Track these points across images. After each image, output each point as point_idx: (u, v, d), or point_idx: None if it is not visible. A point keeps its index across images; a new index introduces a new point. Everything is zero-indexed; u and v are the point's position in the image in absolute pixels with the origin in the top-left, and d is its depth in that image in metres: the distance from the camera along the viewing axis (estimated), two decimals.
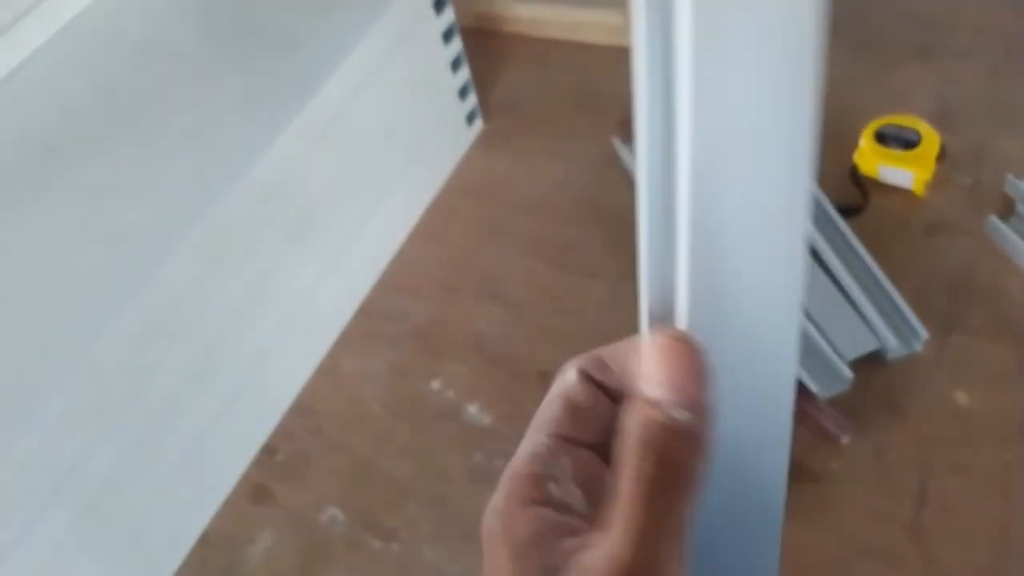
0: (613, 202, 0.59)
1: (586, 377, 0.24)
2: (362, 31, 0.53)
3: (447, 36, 0.60)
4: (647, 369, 0.20)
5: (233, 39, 0.55)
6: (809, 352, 0.49)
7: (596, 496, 0.22)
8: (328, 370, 0.56)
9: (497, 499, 0.22)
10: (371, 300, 0.59)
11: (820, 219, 0.54)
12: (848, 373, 0.47)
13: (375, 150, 0.57)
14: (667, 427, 0.20)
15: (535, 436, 0.23)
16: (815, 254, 0.52)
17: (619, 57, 0.68)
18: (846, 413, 0.46)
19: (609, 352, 0.24)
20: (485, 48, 0.71)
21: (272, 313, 0.52)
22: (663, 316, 0.22)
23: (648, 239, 0.21)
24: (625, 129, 0.62)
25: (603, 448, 0.23)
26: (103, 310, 0.42)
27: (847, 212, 0.55)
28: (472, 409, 0.52)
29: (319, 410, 0.54)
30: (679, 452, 0.20)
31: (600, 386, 0.24)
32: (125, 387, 0.44)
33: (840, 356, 0.48)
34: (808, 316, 0.50)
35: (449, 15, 0.59)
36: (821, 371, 0.48)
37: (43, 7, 0.58)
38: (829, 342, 0.49)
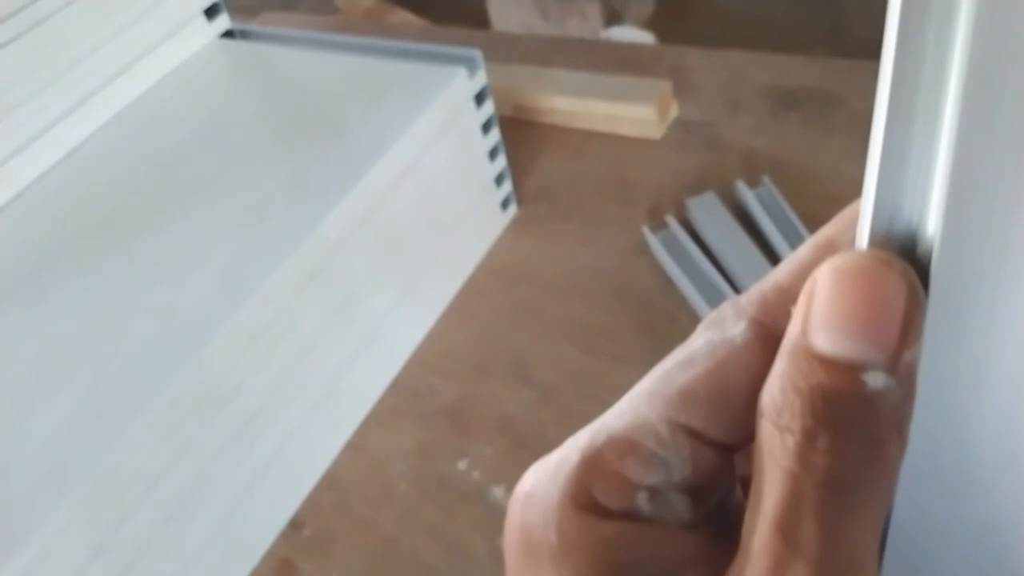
0: (642, 289, 0.60)
1: (762, 332, 0.15)
2: (408, 122, 0.55)
3: (486, 127, 0.63)
4: (822, 307, 0.13)
5: (286, 126, 0.58)
6: None
7: (715, 512, 0.15)
8: (357, 446, 0.57)
9: (546, 493, 0.15)
10: (402, 378, 0.60)
11: None
12: None
13: (413, 233, 0.59)
14: (853, 399, 0.13)
15: (634, 409, 0.16)
16: None
17: (650, 149, 0.71)
18: None
19: (790, 275, 0.16)
20: (522, 137, 0.74)
21: (307, 389, 0.53)
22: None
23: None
24: (654, 219, 0.64)
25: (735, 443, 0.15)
26: (147, 385, 0.44)
27: None
28: (497, 491, 0.52)
29: (347, 486, 0.55)
30: (872, 440, 0.13)
31: (777, 340, 0.15)
32: (162, 460, 0.45)
33: None
34: None
35: (488, 108, 0.62)
36: None
37: (109, 89, 0.61)
38: None
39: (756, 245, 0.58)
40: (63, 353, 0.47)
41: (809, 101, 0.71)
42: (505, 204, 0.68)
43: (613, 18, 1.36)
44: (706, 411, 0.15)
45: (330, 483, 0.55)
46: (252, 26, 0.69)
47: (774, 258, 0.58)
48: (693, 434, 0.15)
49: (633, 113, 0.71)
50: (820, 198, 0.62)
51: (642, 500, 0.15)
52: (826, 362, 0.13)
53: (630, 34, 1.28)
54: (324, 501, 0.54)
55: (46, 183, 0.59)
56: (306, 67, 0.63)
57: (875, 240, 0.14)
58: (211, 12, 0.67)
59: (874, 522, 0.13)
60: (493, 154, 0.65)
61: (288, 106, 0.60)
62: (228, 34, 0.68)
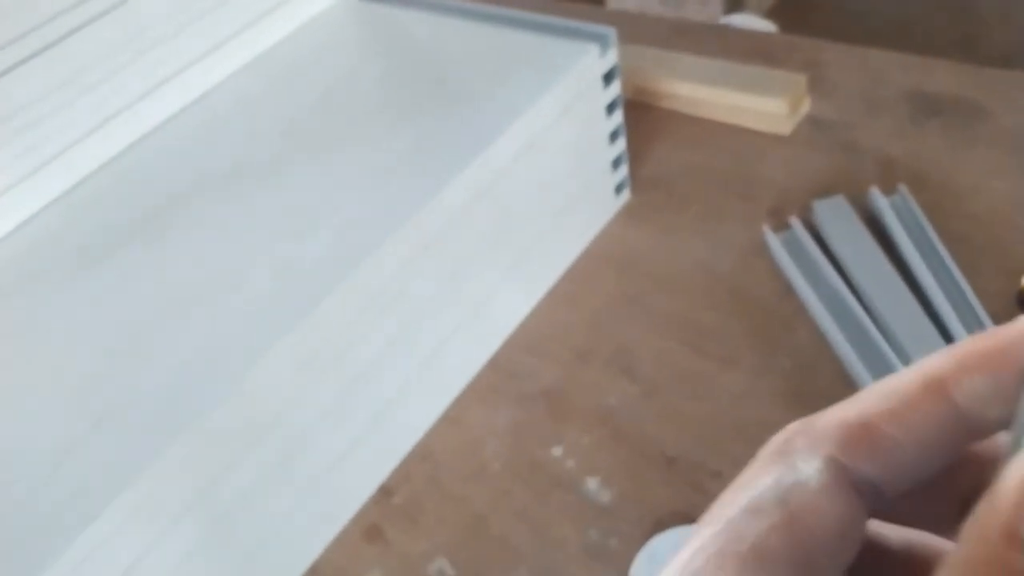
0: (757, 292, 0.58)
1: (846, 482, 0.14)
2: (535, 96, 0.54)
3: (610, 108, 0.61)
4: None
5: (412, 91, 0.58)
6: None
7: None
8: (453, 419, 0.56)
9: None
10: (502, 356, 0.59)
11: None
12: None
13: (525, 210, 0.58)
14: None
15: (704, 566, 0.14)
16: None
17: (776, 145, 0.68)
18: None
19: (892, 414, 0.14)
20: (640, 121, 0.72)
21: (410, 356, 0.53)
22: None
23: None
24: (776, 218, 0.62)
25: None
26: (262, 337, 0.44)
27: None
28: (592, 483, 0.51)
29: (439, 458, 0.55)
30: None
31: (866, 486, 0.14)
32: (269, 414, 0.45)
33: None
34: None
35: (615, 88, 0.60)
36: None
37: (241, 37, 0.62)
38: None
39: (887, 257, 0.55)
40: (182, 297, 0.47)
41: (952, 109, 0.67)
42: (619, 189, 0.66)
43: (734, 5, 1.32)
44: (784, 572, 0.13)
45: (424, 454, 0.55)
46: None
47: (906, 273, 0.55)
48: None
49: (762, 106, 0.68)
50: (961, 215, 0.58)
51: None
52: None
53: (751, 22, 1.24)
54: (416, 471, 0.54)
55: (176, 126, 0.59)
56: (435, 32, 0.62)
57: None
58: None
59: None
60: (614, 136, 0.63)
61: (415, 71, 0.59)
62: None
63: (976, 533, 0.12)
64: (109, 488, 0.40)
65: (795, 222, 0.59)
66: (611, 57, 0.59)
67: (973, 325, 0.51)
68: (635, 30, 0.80)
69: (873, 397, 0.15)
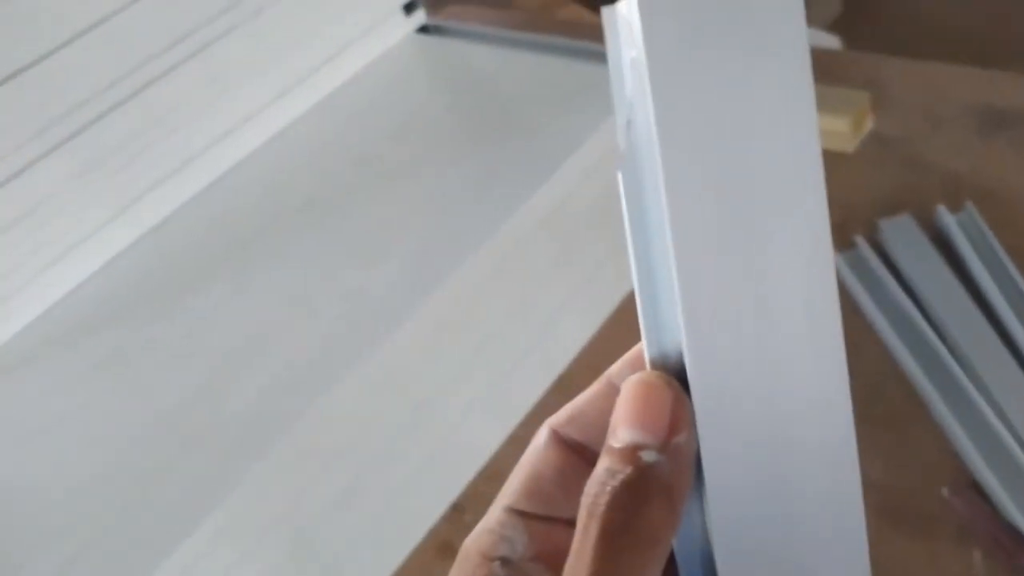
0: None
1: (558, 440, 0.21)
2: (595, 126, 0.56)
3: None
4: (615, 416, 0.19)
5: (477, 122, 0.60)
6: None
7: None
8: (519, 440, 0.58)
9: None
10: (568, 377, 0.60)
11: None
12: None
13: (589, 235, 0.59)
14: (628, 475, 0.17)
15: (491, 510, 0.21)
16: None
17: (840, 163, 0.68)
18: None
19: (584, 402, 0.21)
20: None
21: (478, 378, 0.54)
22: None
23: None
24: (841, 238, 0.61)
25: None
26: (336, 365, 0.46)
27: None
28: None
29: (506, 479, 0.56)
30: (642, 501, 0.17)
31: (578, 447, 0.21)
32: (345, 436, 0.47)
33: None
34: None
35: None
36: None
37: (313, 78, 0.65)
38: None
39: (956, 276, 0.55)
40: (261, 329, 0.50)
41: (1020, 123, 0.66)
42: None
43: None
44: (526, 497, 0.21)
45: (492, 474, 0.56)
46: (447, 22, 0.71)
47: (976, 292, 0.54)
48: (523, 514, 0.21)
49: (825, 124, 0.68)
50: None
51: (496, 568, 0.20)
52: (618, 450, 0.18)
53: (814, 36, 1.23)
54: (485, 490, 0.56)
55: (254, 163, 0.63)
56: (498, 64, 0.64)
57: (653, 363, 0.20)
58: (409, 7, 0.69)
59: (646, 559, 0.17)
60: None
61: (479, 103, 0.62)
62: (423, 29, 0.70)
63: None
64: (198, 508, 0.42)
65: (861, 241, 0.59)
66: None
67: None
68: None
69: (580, 396, 0.22)
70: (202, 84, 0.60)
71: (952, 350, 0.51)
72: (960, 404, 0.49)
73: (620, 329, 0.62)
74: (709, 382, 0.18)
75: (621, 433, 0.18)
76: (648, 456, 0.18)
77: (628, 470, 0.18)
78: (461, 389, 0.53)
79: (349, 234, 0.54)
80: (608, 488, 0.18)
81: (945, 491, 0.47)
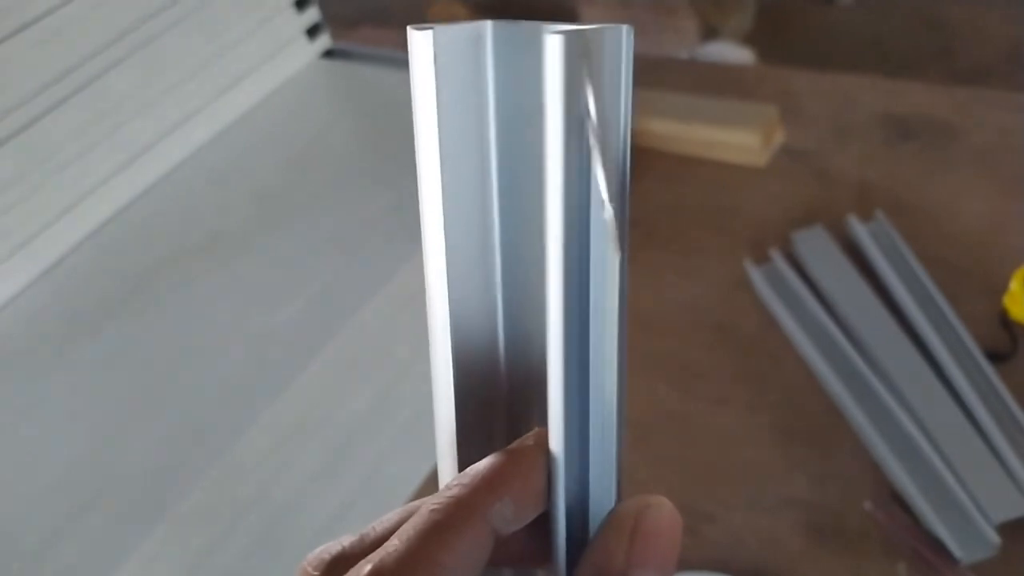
0: (743, 327, 0.58)
1: None
2: None
3: None
4: (649, 549, 0.18)
5: (386, 150, 0.58)
6: (951, 510, 0.46)
7: None
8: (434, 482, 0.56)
9: None
10: None
11: (966, 364, 0.51)
12: (995, 538, 0.44)
13: None
14: None
15: None
16: (959, 401, 0.50)
17: (753, 177, 0.68)
18: None
19: (444, 545, 0.18)
20: None
21: (397, 416, 0.52)
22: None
23: None
24: (757, 252, 0.61)
25: None
26: (243, 410, 0.44)
27: (995, 358, 0.52)
28: None
29: None
30: None
31: None
32: (257, 484, 0.45)
33: (986, 517, 0.45)
34: (950, 468, 0.47)
35: None
36: (964, 533, 0.45)
37: (212, 108, 0.62)
38: (974, 500, 0.46)
39: (869, 285, 0.55)
40: (162, 375, 0.47)
41: (926, 131, 0.67)
42: None
43: (710, 34, 1.33)
44: None
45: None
46: (352, 45, 0.69)
47: (889, 300, 0.54)
48: None
49: (736, 139, 0.68)
50: (939, 238, 0.58)
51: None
52: None
53: (728, 51, 1.25)
54: None
55: (147, 201, 0.60)
56: (407, 88, 0.63)
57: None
58: (312, 32, 0.67)
59: None
60: None
61: (388, 128, 0.60)
62: (328, 53, 0.68)
63: None
64: (97, 573, 0.39)
65: (775, 254, 0.59)
66: None
67: (958, 350, 0.51)
68: None
69: (425, 528, 0.18)
70: (93, 118, 0.57)
71: (868, 360, 0.52)
72: (878, 414, 0.49)
73: None
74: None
75: (641, 573, 0.18)
76: None
77: None
78: (381, 428, 0.51)
79: (253, 272, 0.52)
80: None
81: (868, 504, 0.47)
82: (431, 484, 0.56)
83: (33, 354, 0.52)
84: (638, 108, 0.73)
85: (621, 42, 0.18)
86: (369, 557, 0.18)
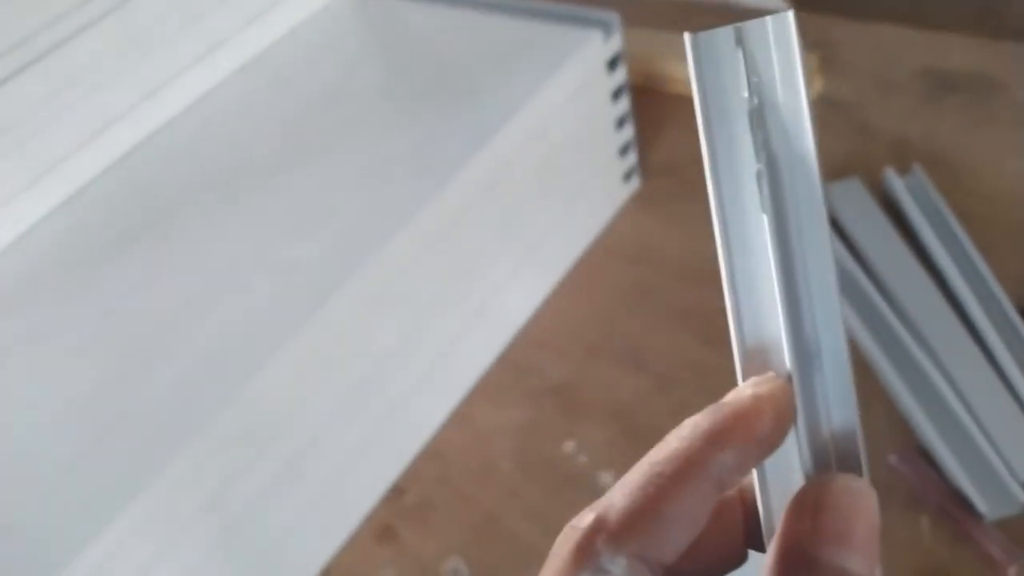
0: None
1: (643, 570, 0.17)
2: (537, 86, 0.53)
3: (616, 94, 0.60)
4: (818, 526, 0.17)
5: (414, 85, 0.57)
6: (977, 466, 0.45)
7: None
8: (461, 418, 0.56)
9: None
10: (511, 353, 0.58)
11: (999, 321, 0.50)
12: (1021, 495, 0.43)
13: (533, 202, 0.57)
14: None
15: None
16: (991, 358, 0.49)
17: None
18: (1017, 540, 0.42)
19: (669, 498, 0.18)
20: (649, 107, 0.70)
21: (418, 355, 0.52)
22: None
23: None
24: None
25: None
26: (268, 342, 0.44)
27: None
28: (606, 477, 0.50)
29: (450, 458, 0.54)
30: None
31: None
32: (277, 417, 0.45)
33: (1013, 475, 0.44)
34: (978, 424, 0.47)
35: (621, 74, 0.59)
36: (990, 489, 0.44)
37: (238, 38, 0.61)
38: (1001, 457, 0.45)
39: (904, 240, 0.54)
40: (185, 305, 0.47)
41: (968, 86, 0.65)
42: (628, 176, 0.65)
43: None
44: None
45: (434, 453, 0.54)
46: None
47: (924, 256, 0.53)
48: None
49: None
50: (978, 195, 0.56)
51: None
52: (825, 571, 0.16)
53: None
54: (427, 470, 0.54)
55: (175, 129, 0.59)
56: (436, 24, 0.61)
57: (747, 355, 0.21)
58: None
59: None
60: (621, 123, 0.62)
61: (416, 65, 0.59)
62: None
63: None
64: (116, 499, 0.39)
65: None
66: (615, 43, 0.58)
67: (991, 307, 0.50)
68: (642, 13, 0.79)
69: (647, 481, 0.18)
70: (120, 44, 0.56)
71: (899, 314, 0.51)
72: (907, 368, 0.48)
73: (567, 301, 0.60)
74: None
75: (830, 553, 0.17)
76: None
77: None
78: (399, 366, 0.51)
79: (278, 205, 0.51)
80: None
81: (893, 458, 0.46)
82: (454, 422, 0.55)
83: (51, 286, 0.51)
84: (670, 53, 0.71)
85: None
86: (592, 506, 0.18)
